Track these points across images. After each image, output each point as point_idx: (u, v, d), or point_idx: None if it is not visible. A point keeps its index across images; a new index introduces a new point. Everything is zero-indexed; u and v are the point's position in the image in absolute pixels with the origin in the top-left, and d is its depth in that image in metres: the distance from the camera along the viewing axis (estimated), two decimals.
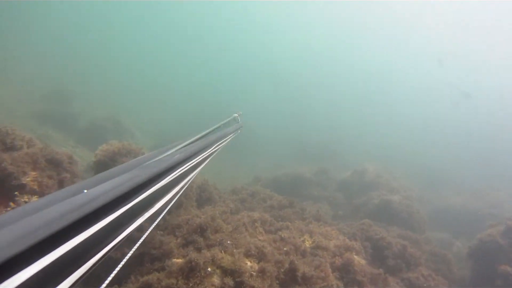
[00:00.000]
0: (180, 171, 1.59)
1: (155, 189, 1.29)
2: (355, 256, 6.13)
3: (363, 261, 6.28)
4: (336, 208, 12.64)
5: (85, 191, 0.96)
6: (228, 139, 3.04)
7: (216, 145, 2.50)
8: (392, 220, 10.42)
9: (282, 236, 5.71)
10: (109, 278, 1.03)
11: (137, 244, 1.25)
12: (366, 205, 11.99)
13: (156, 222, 1.49)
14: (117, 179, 1.08)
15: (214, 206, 6.99)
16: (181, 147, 1.87)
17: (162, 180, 1.38)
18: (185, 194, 6.30)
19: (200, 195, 7.41)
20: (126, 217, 1.06)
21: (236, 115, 4.03)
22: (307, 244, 6.13)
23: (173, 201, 1.52)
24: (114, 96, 32.28)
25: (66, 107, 21.67)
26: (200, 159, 2.00)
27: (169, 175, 1.45)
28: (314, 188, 13.90)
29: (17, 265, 0.63)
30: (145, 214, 1.24)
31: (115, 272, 1.07)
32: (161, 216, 1.34)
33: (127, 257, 1.12)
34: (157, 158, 1.52)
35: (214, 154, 2.48)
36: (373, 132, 34.83)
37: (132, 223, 1.12)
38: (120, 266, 1.08)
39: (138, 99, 35.12)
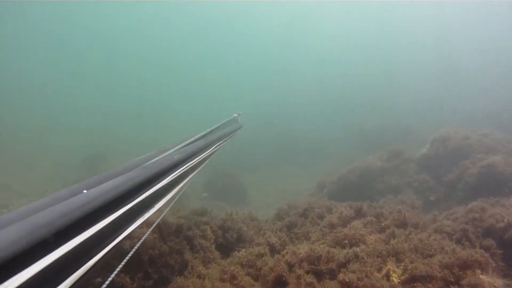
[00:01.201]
0: (180, 171, 1.58)
1: (155, 190, 1.28)
2: (483, 277, 3.66)
3: (498, 281, 3.73)
4: (425, 194, 9.91)
5: (85, 191, 0.95)
6: (228, 139, 3.03)
7: (216, 145, 2.50)
8: (500, 191, 7.35)
9: (347, 279, 3.51)
10: (109, 279, 1.03)
11: (137, 245, 1.25)
12: (462, 178, 8.98)
13: (155, 224, 1.49)
14: (117, 179, 1.08)
15: (249, 246, 5.07)
16: (181, 147, 1.87)
17: (162, 180, 1.38)
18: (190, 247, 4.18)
19: (224, 237, 5.22)
20: (126, 218, 1.05)
21: (235, 115, 4.02)
22: (395, 278, 3.75)
23: (173, 201, 1.52)
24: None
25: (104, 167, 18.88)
26: (200, 159, 1.99)
27: (169, 175, 1.45)
28: (390, 176, 11.10)
29: (17, 265, 0.63)
30: (145, 214, 1.24)
31: (115, 272, 1.08)
32: (162, 216, 1.34)
33: (127, 258, 1.12)
34: (156, 159, 1.51)
35: (214, 154, 2.47)
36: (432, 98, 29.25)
37: (132, 224, 1.12)
38: (120, 266, 1.08)
39: None
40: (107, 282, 1.00)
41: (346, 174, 11.32)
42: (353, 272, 3.59)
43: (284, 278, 3.58)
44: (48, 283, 0.70)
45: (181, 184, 1.68)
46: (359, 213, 5.81)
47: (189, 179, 1.85)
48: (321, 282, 3.61)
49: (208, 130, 2.59)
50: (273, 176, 18.07)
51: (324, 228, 5.68)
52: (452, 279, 3.48)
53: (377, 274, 3.69)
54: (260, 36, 65.02)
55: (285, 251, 4.31)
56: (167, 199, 1.47)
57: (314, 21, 61.91)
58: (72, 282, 0.78)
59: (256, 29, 65.13)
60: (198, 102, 43.90)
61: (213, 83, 56.55)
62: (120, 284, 3.04)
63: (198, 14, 60.27)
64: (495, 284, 3.57)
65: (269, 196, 14.90)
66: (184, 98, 48.06)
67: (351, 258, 3.91)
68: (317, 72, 49.41)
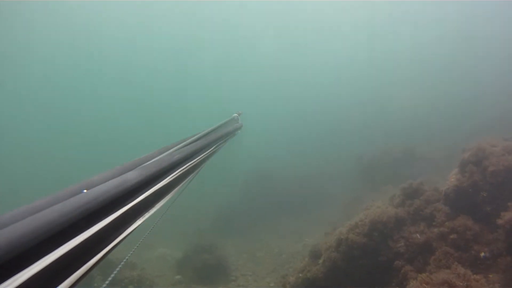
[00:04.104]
0: (180, 171, 1.60)
1: (155, 189, 1.29)
2: None
3: None
4: (471, 250, 6.11)
5: (85, 191, 0.96)
6: (228, 139, 3.08)
7: (216, 145, 2.53)
8: None
9: None
10: (109, 279, 1.02)
11: (137, 245, 1.25)
12: None
13: (157, 222, 1.50)
14: (117, 179, 1.09)
15: None
16: (181, 147, 1.87)
17: (162, 180, 1.39)
18: None
19: None
20: (126, 218, 1.06)
21: (235, 115, 4.03)
22: None
23: (174, 201, 1.53)
24: None
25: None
26: (200, 159, 2.02)
27: (169, 175, 1.46)
28: (412, 228, 7.26)
29: (17, 265, 0.63)
30: (145, 214, 1.24)
31: (115, 272, 1.07)
32: (162, 216, 1.34)
33: (126, 258, 1.12)
34: (156, 158, 1.52)
35: (214, 154, 2.51)
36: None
37: (132, 224, 1.13)
38: (119, 266, 1.07)
39: None
40: (107, 282, 0.99)
41: (348, 235, 7.64)
42: None
43: None
44: (48, 283, 0.71)
45: (182, 184, 1.70)
46: None
47: (190, 179, 1.87)
48: None
49: (208, 130, 2.61)
50: (265, 235, 15.51)
51: None
52: None
53: None
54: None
55: None
56: (168, 199, 1.49)
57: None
58: (72, 282, 0.78)
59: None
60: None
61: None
62: None
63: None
64: None
65: (262, 263, 12.45)
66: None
67: None
68: (298, 107, 47.20)
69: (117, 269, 1.09)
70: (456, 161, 7.76)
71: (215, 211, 20.35)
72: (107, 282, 1.01)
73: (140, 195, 1.18)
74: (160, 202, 1.38)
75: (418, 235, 6.96)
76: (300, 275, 8.08)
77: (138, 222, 1.17)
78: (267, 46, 56.15)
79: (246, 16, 54.73)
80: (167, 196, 1.46)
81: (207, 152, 2.21)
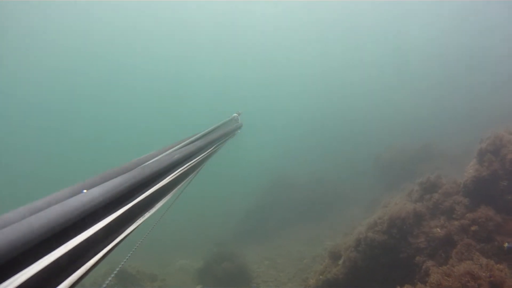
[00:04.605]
0: (180, 171, 1.60)
1: (155, 189, 1.29)
2: None
3: None
4: (493, 241, 6.01)
5: (85, 191, 0.96)
6: (228, 138, 3.07)
7: (216, 145, 2.53)
8: None
9: None
10: (109, 278, 1.03)
11: (137, 245, 1.26)
12: None
13: (156, 223, 1.50)
14: (117, 179, 1.09)
15: None
16: (181, 147, 1.88)
17: (162, 180, 1.39)
18: None
19: None
20: (126, 218, 1.06)
21: (235, 114, 4.02)
22: None
23: (174, 201, 1.53)
24: None
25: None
26: (200, 159, 2.01)
27: (169, 175, 1.46)
28: (432, 223, 6.98)
29: (17, 265, 0.63)
30: (145, 214, 1.24)
31: (115, 272, 1.08)
32: (162, 216, 1.35)
33: (127, 258, 1.13)
34: (156, 158, 1.52)
35: (214, 154, 2.52)
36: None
37: (132, 224, 1.12)
38: (120, 266, 1.08)
39: None
40: (107, 282, 1.00)
41: (367, 233, 7.51)
42: None
43: None
44: (48, 283, 0.70)
45: (182, 184, 1.70)
46: None
47: (190, 179, 1.87)
48: None
49: (208, 129, 2.62)
50: (286, 241, 15.29)
51: None
52: None
53: None
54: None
55: None
56: (168, 199, 1.49)
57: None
58: (72, 282, 0.78)
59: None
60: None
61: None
62: None
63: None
64: None
65: (283, 269, 12.29)
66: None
67: None
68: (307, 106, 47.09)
69: (117, 268, 1.09)
70: (473, 155, 7.49)
71: (234, 220, 20.25)
72: (107, 281, 1.01)
73: (140, 195, 1.18)
74: (160, 202, 1.38)
75: (438, 229, 6.71)
76: (321, 276, 7.98)
77: (138, 222, 1.17)
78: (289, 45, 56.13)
79: (259, 16, 55.08)
80: (167, 196, 1.47)
81: (207, 152, 2.21)
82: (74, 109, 54.84)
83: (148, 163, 1.41)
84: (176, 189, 1.59)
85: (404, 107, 32.18)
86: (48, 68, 54.07)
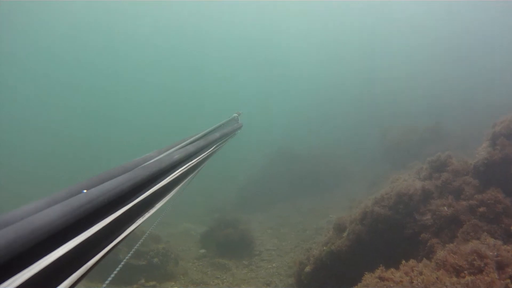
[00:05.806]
0: (180, 171, 1.60)
1: (155, 189, 1.30)
2: None
3: None
4: (501, 223, 5.96)
5: (85, 191, 0.96)
6: (228, 138, 3.07)
7: (216, 145, 2.52)
8: None
9: None
10: (109, 278, 1.06)
11: (137, 244, 1.28)
12: None
13: (155, 223, 1.53)
14: (117, 179, 1.09)
15: None
16: (181, 147, 1.88)
17: (162, 180, 1.39)
18: None
19: None
20: (126, 218, 1.06)
21: (235, 114, 4.01)
22: None
23: (174, 201, 1.55)
24: None
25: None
26: (200, 159, 2.01)
27: (169, 175, 1.46)
28: (439, 201, 6.96)
29: (17, 265, 0.63)
30: (145, 214, 1.25)
31: (115, 272, 1.10)
32: (161, 216, 1.37)
33: (127, 257, 1.15)
34: (156, 158, 1.52)
35: (214, 154, 2.52)
36: None
37: (132, 224, 1.13)
38: (120, 266, 1.11)
39: None
40: (107, 282, 1.03)
41: (373, 207, 7.40)
42: None
43: None
44: (48, 283, 0.71)
45: (182, 184, 1.70)
46: None
47: (190, 179, 1.87)
48: None
49: (208, 129, 2.62)
50: (290, 212, 15.44)
51: None
52: None
53: None
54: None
55: None
56: (168, 199, 1.49)
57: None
58: (72, 282, 0.78)
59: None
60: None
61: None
62: None
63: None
64: None
65: (286, 239, 12.41)
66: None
67: None
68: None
69: (117, 268, 1.11)
70: (483, 138, 7.44)
71: (239, 189, 20.55)
72: (107, 282, 1.03)
73: (140, 195, 1.18)
74: (160, 202, 1.39)
75: (445, 207, 6.64)
76: (324, 248, 7.95)
77: (138, 222, 1.18)
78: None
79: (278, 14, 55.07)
80: (167, 196, 1.47)
81: (207, 152, 2.21)
82: (73, 108, 55.07)
83: (148, 163, 1.41)
84: (176, 189, 1.60)
85: (416, 86, 31.87)
86: (51, 62, 54.39)
